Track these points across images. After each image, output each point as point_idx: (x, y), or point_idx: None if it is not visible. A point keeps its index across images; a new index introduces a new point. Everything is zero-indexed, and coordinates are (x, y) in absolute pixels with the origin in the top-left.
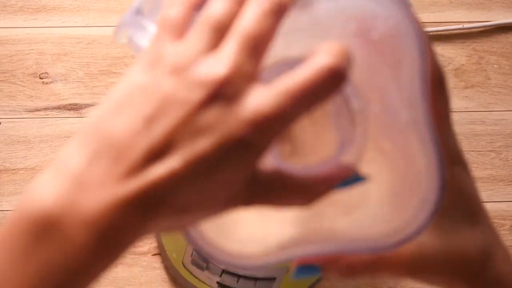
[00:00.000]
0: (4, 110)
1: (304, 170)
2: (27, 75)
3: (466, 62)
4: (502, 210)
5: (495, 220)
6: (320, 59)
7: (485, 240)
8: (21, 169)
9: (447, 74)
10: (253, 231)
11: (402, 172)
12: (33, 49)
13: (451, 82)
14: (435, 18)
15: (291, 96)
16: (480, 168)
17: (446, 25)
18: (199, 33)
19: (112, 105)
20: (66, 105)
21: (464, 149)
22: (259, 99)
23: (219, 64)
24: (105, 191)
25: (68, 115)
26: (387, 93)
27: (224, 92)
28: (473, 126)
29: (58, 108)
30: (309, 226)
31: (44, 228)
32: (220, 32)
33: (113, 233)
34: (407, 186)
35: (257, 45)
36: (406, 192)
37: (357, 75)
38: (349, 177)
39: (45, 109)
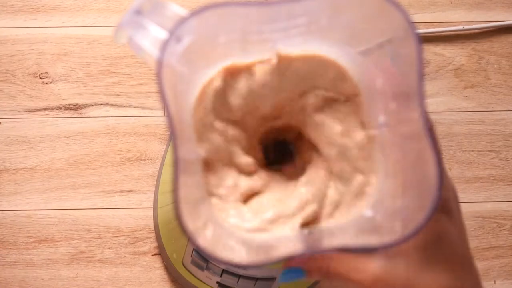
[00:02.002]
0: (4, 110)
1: None
2: (27, 75)
3: (466, 62)
4: (502, 210)
5: (495, 220)
6: None
7: (456, 286)
8: (21, 169)
9: (447, 74)
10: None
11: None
12: (33, 49)
13: (451, 82)
14: (435, 18)
15: None
16: (480, 168)
17: (446, 25)
18: None
19: None
20: (66, 105)
21: (464, 149)
22: None
23: None
24: None
25: (68, 115)
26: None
27: None
28: (473, 126)
29: (58, 108)
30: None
31: None
32: None
33: None
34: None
35: None
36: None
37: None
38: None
39: (45, 109)
